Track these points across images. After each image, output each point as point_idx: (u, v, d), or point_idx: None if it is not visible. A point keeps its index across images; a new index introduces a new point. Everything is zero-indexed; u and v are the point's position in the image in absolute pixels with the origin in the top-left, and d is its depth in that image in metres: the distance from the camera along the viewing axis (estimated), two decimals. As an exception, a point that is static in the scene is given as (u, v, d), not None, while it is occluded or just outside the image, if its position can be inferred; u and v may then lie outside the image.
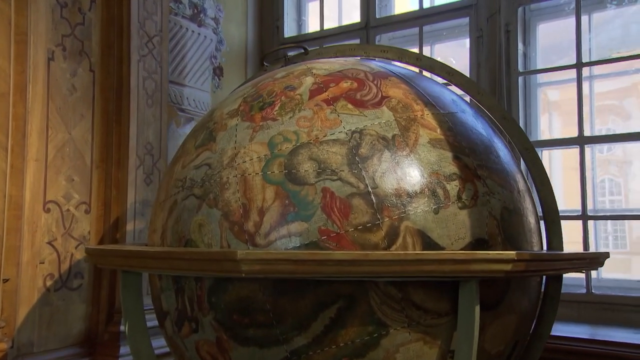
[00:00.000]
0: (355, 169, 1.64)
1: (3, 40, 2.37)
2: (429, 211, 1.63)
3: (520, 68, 3.29)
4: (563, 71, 3.40)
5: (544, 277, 1.96)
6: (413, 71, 2.08)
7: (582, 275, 3.03)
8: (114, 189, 2.73)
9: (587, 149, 3.14)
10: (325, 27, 3.80)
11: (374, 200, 1.61)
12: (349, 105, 1.76)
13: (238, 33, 3.81)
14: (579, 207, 3.04)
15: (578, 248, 2.69)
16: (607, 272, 3.18)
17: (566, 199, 4.99)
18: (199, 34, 3.54)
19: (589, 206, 3.06)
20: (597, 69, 3.53)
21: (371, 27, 3.66)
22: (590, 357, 2.69)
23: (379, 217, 1.60)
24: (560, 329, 2.74)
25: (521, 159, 2.07)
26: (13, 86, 2.39)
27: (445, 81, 2.16)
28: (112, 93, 2.77)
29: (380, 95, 1.80)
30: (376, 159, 1.66)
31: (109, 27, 2.78)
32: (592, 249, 3.14)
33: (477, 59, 3.36)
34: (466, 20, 3.47)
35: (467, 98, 2.28)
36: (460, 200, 1.67)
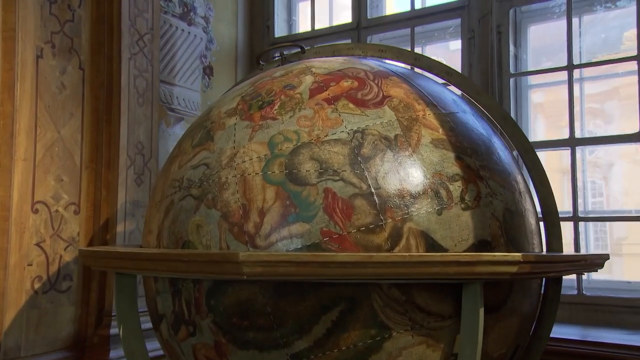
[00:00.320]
0: (357, 169, 1.62)
1: (-9, 37, 2.32)
2: (432, 212, 1.61)
3: (512, 70, 3.30)
4: (549, 73, 3.43)
5: (543, 279, 1.95)
6: (411, 70, 2.06)
7: (573, 277, 3.04)
8: (103, 190, 2.68)
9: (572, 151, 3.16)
10: (316, 27, 3.78)
11: (376, 201, 1.59)
12: (350, 105, 1.74)
13: (228, 32, 3.77)
14: (563, 208, 3.05)
15: (566, 250, 2.69)
16: (592, 274, 3.19)
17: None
18: (188, 32, 3.50)
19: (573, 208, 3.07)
20: (579, 73, 3.56)
21: (362, 28, 3.64)
22: (581, 359, 2.69)
23: (382, 218, 1.58)
24: (552, 331, 2.74)
25: (520, 159, 2.06)
26: (0, 84, 2.34)
27: (443, 81, 2.14)
28: (102, 91, 2.71)
29: (381, 95, 1.78)
30: (378, 159, 1.64)
31: (99, 25, 2.73)
32: (582, 251, 3.15)
33: (469, 60, 3.35)
34: (458, 21, 3.46)
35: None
36: (463, 201, 1.65)
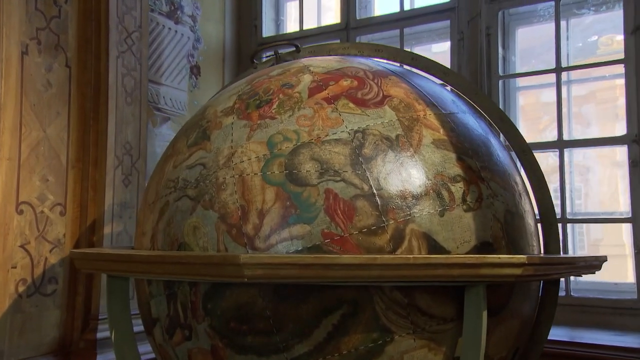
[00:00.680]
0: (359, 170, 1.59)
1: (-25, 32, 2.25)
2: (434, 214, 1.59)
3: (500, 72, 3.30)
4: (534, 76, 3.46)
5: (541, 281, 1.94)
6: (408, 69, 2.04)
7: (562, 278, 3.04)
8: (90, 190, 2.61)
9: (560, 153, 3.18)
10: (304, 27, 3.75)
11: (378, 202, 1.56)
12: (351, 104, 1.71)
13: (215, 32, 3.72)
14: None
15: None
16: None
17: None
18: (175, 31, 3.44)
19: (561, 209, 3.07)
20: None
21: (351, 28, 3.62)
22: (570, 360, 2.70)
23: (384, 219, 1.55)
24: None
25: (518, 160, 2.05)
26: (-16, 81, 2.27)
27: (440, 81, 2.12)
28: (89, 90, 2.65)
29: (381, 95, 1.75)
30: (380, 160, 1.61)
31: (86, 21, 2.66)
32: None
33: (458, 61, 3.35)
34: (447, 23, 3.46)
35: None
36: (465, 202, 1.63)
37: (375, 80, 1.80)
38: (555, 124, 3.29)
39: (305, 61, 1.95)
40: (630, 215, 2.98)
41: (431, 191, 1.61)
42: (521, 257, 1.43)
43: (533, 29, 3.61)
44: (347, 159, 1.60)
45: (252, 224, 1.58)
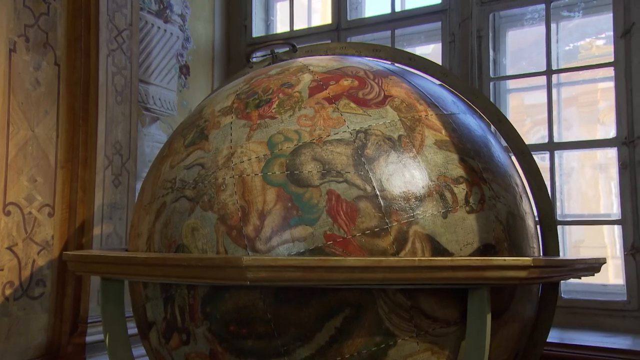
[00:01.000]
0: (361, 171, 1.57)
1: (-38, 28, 2.19)
2: (437, 215, 1.57)
3: (491, 74, 3.30)
4: (520, 79, 3.48)
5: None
6: (407, 70, 2.02)
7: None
8: (80, 191, 2.56)
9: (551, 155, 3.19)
10: (295, 28, 3.72)
11: (381, 204, 1.54)
12: (352, 104, 1.69)
13: (205, 31, 3.68)
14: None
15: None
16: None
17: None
18: (165, 30, 3.40)
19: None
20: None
21: (342, 29, 3.60)
22: (559, 361, 2.70)
23: (387, 221, 1.53)
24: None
25: (516, 162, 2.04)
26: (-29, 78, 2.21)
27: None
28: (78, 89, 2.60)
29: (382, 95, 1.73)
30: (383, 160, 1.59)
31: (75, 19, 2.61)
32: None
33: (449, 63, 3.34)
34: (438, 24, 3.46)
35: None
36: (468, 204, 1.61)
37: (376, 80, 1.78)
38: (539, 127, 3.32)
39: (304, 60, 1.93)
40: (619, 217, 3.00)
41: (434, 192, 1.59)
42: (527, 260, 1.42)
43: (522, 31, 3.63)
44: (350, 160, 1.58)
45: (252, 225, 1.55)
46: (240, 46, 3.81)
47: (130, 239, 1.89)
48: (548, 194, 1.94)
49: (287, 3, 3.77)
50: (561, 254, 3.28)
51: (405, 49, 3.72)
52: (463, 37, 3.35)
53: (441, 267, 1.42)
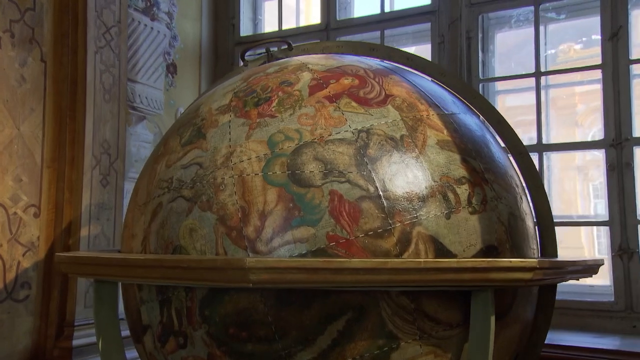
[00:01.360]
0: (364, 171, 1.54)
1: (-53, 22, 2.12)
2: (440, 216, 1.55)
3: (480, 75, 3.31)
4: (506, 81, 3.49)
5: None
6: (405, 69, 2.00)
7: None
8: (66, 191, 2.50)
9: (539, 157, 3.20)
10: (283, 27, 3.69)
11: (384, 204, 1.51)
12: (353, 103, 1.66)
13: (192, 30, 3.63)
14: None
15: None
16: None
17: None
18: (151, 28, 3.34)
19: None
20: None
21: (332, 29, 3.58)
22: (548, 362, 2.70)
23: (390, 222, 1.50)
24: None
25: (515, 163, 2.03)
26: (-46, 74, 2.14)
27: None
28: (65, 86, 2.54)
29: (383, 94, 1.71)
30: (385, 160, 1.57)
31: (62, 15, 2.55)
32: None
33: (439, 64, 3.34)
34: (428, 25, 3.45)
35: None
36: (471, 205, 1.60)
37: (377, 79, 1.76)
38: (519, 129, 3.33)
39: (302, 58, 1.90)
40: (607, 219, 3.02)
41: (437, 193, 1.57)
42: (533, 261, 1.40)
43: (509, 33, 3.65)
44: (352, 160, 1.55)
45: (253, 226, 1.52)
46: (228, 45, 3.76)
47: (124, 240, 1.84)
48: (546, 195, 1.94)
49: (275, 3, 3.74)
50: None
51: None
52: (452, 38, 3.35)
53: (447, 269, 1.40)
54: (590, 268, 1.78)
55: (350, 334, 1.48)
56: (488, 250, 1.59)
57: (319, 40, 3.55)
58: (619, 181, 2.99)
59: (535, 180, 1.93)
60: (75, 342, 2.42)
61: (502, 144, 2.01)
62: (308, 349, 1.49)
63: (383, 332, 1.49)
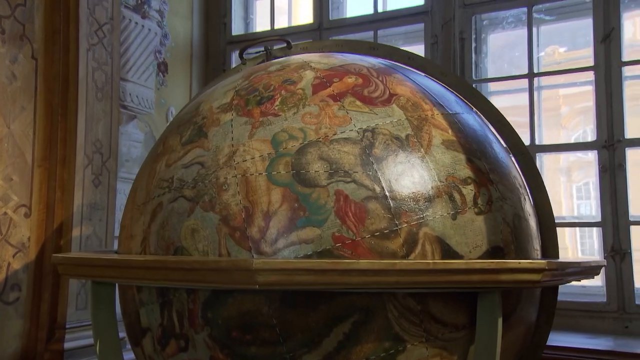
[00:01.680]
0: (370, 171, 1.52)
1: (-64, 17, 2.06)
2: (447, 217, 1.53)
3: (473, 76, 3.31)
4: (498, 82, 3.51)
5: (540, 285, 1.91)
6: (407, 68, 1.98)
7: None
8: (58, 191, 2.45)
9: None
10: (275, 27, 3.66)
11: (391, 205, 1.49)
12: (357, 102, 1.64)
13: (183, 28, 3.58)
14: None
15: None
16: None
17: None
18: (142, 26, 3.29)
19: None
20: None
21: (324, 29, 3.56)
22: (541, 363, 2.70)
23: (396, 222, 1.48)
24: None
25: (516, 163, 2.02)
26: (-57, 71, 2.09)
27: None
28: (57, 84, 2.48)
29: (388, 93, 1.69)
30: (391, 160, 1.55)
31: (54, 11, 2.50)
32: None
33: (440, 64, 3.33)
34: (421, 26, 3.44)
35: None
36: (477, 205, 1.58)
37: (380, 78, 1.74)
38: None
39: (304, 57, 1.87)
40: (599, 220, 3.03)
41: (443, 193, 1.55)
42: (541, 263, 1.39)
43: (501, 35, 3.66)
44: (357, 159, 1.53)
45: (257, 226, 1.49)
46: (219, 44, 3.73)
47: (122, 241, 1.80)
48: (547, 195, 1.93)
49: (266, 2, 3.71)
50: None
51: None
52: (445, 39, 3.34)
53: (456, 270, 1.38)
54: (593, 269, 1.78)
55: (357, 336, 1.46)
56: (494, 252, 1.57)
57: (311, 40, 3.53)
58: (611, 182, 3.00)
59: (536, 181, 1.92)
60: (66, 345, 2.38)
61: (504, 144, 2.00)
62: (313, 352, 1.47)
63: (390, 334, 1.47)
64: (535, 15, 3.37)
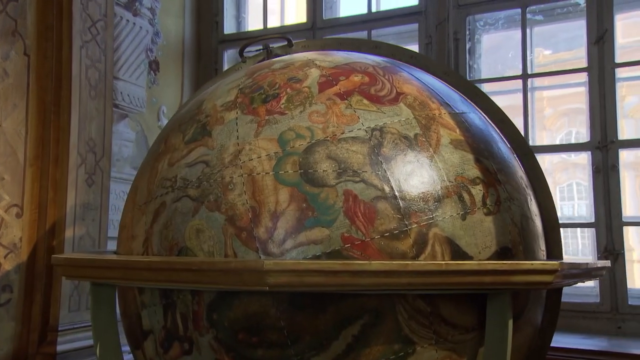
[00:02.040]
0: (379, 170, 1.49)
1: None
2: (456, 217, 1.51)
3: (467, 77, 3.30)
4: (491, 83, 3.51)
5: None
6: (412, 67, 1.96)
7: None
8: (50, 190, 2.39)
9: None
10: (268, 26, 3.63)
11: (400, 205, 1.47)
12: (365, 101, 1.61)
13: (175, 27, 3.54)
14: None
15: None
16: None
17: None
18: (134, 23, 3.24)
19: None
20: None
21: (318, 29, 3.53)
22: (536, 364, 2.69)
23: (406, 223, 1.46)
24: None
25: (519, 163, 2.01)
26: None
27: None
28: (49, 81, 2.43)
29: (395, 91, 1.67)
30: (400, 160, 1.52)
31: (46, 7, 2.45)
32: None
33: (443, 63, 3.32)
34: (415, 26, 3.43)
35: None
36: (485, 205, 1.56)
37: (387, 77, 1.71)
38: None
39: (307, 55, 1.84)
40: (593, 220, 3.04)
41: (453, 194, 1.53)
42: (555, 264, 1.38)
43: (494, 35, 3.66)
44: (366, 159, 1.50)
45: (264, 227, 1.46)
46: (211, 42, 3.69)
47: (122, 242, 1.75)
48: (551, 196, 1.92)
49: (259, 1, 3.68)
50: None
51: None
52: (440, 40, 3.34)
53: (468, 272, 1.36)
54: (600, 270, 1.77)
55: (366, 338, 1.44)
56: (503, 252, 1.56)
57: (305, 39, 3.50)
58: (604, 183, 3.01)
59: (540, 181, 1.92)
60: (59, 348, 2.32)
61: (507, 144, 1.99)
62: (322, 355, 1.44)
63: (399, 336, 1.45)
64: (528, 16, 3.38)
